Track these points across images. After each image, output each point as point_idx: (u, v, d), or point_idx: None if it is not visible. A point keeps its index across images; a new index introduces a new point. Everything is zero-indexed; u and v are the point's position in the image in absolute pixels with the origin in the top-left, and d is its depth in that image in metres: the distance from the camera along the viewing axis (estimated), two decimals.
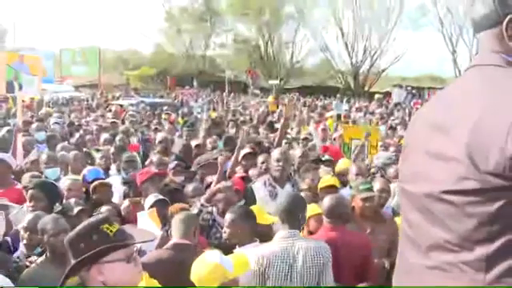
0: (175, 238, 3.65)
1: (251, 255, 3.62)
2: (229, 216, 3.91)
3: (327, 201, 4.13)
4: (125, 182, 5.79)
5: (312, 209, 4.35)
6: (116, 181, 5.88)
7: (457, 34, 42.87)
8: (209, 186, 5.38)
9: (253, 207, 4.55)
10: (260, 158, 6.55)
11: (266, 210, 4.78)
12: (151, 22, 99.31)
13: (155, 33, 55.64)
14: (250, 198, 5.20)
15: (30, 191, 4.39)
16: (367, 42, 46.04)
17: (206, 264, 3.06)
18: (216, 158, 6.41)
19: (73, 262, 2.11)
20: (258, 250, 3.69)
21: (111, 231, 2.11)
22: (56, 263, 3.39)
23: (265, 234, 4.20)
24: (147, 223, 4.41)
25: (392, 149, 7.77)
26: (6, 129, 8.99)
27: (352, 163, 6.51)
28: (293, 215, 3.76)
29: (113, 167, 7.00)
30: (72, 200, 4.66)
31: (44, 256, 3.60)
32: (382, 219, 4.66)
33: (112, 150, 7.46)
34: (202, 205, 4.47)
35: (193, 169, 6.64)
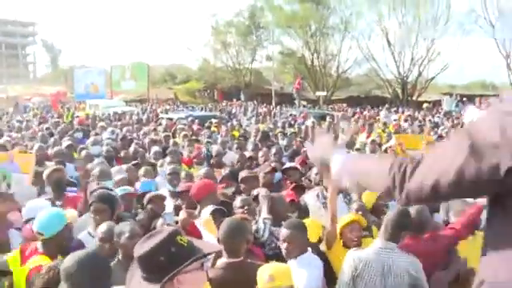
0: (225, 255, 3.64)
1: (348, 258, 3.76)
2: (285, 231, 3.90)
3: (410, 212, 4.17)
4: (173, 194, 5.87)
5: (347, 217, 4.42)
6: (165, 193, 6.03)
7: (511, 38, 41.23)
8: (256, 198, 5.43)
9: (309, 222, 4.59)
10: (314, 169, 6.61)
11: (318, 222, 4.83)
12: (197, 37, 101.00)
13: (201, 47, 56.40)
14: (303, 210, 5.22)
15: (94, 204, 4.55)
16: (414, 51, 45.32)
17: (280, 265, 3.17)
18: (255, 173, 6.51)
19: (144, 275, 2.14)
20: (354, 253, 3.81)
21: (185, 242, 2.16)
22: (127, 266, 3.49)
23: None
24: (202, 232, 4.50)
25: None
26: (66, 143, 9.34)
27: None
28: (394, 229, 3.85)
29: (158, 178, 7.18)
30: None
31: (116, 260, 3.75)
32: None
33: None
34: (265, 218, 4.51)
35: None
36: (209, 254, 2.26)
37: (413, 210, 4.22)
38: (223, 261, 3.60)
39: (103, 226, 4.05)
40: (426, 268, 4.01)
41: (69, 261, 2.92)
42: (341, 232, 4.39)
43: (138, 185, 6.27)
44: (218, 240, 3.71)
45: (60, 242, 3.85)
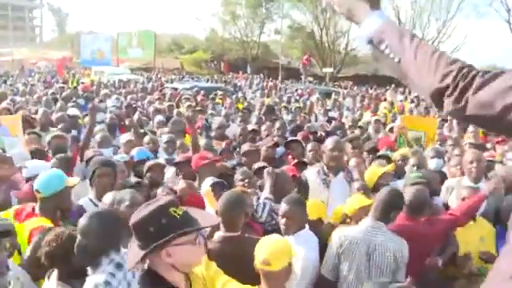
0: (222, 229, 3.62)
1: (334, 234, 3.76)
2: (285, 207, 3.88)
3: (409, 192, 4.14)
4: (172, 163, 5.83)
5: (360, 200, 4.35)
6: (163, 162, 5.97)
7: None
8: (257, 171, 5.42)
9: (310, 202, 4.58)
10: (308, 146, 6.60)
11: (319, 199, 4.81)
12: (206, 7, 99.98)
13: (210, 18, 55.97)
14: (303, 186, 5.21)
15: (98, 169, 4.53)
16: (425, 31, 44.76)
17: (276, 241, 3.08)
18: (257, 147, 6.49)
19: (138, 243, 2.16)
20: (341, 230, 3.81)
21: (178, 214, 2.14)
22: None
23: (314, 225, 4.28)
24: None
25: (449, 142, 7.49)
26: (71, 109, 9.31)
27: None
28: (385, 209, 3.80)
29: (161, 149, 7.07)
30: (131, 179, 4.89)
31: None
32: (432, 211, 4.49)
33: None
34: (266, 198, 4.49)
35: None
36: (203, 228, 2.23)
37: (412, 191, 4.19)
38: (220, 234, 3.58)
39: (109, 196, 4.02)
40: (421, 252, 3.99)
41: (87, 218, 2.98)
42: (354, 213, 4.30)
43: (133, 152, 6.25)
44: (217, 212, 3.71)
45: (57, 204, 3.86)
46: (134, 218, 2.18)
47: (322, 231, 4.29)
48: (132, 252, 2.23)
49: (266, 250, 2.99)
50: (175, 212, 2.14)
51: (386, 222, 3.81)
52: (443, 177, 5.68)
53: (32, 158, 5.23)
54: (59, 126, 7.81)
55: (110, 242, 2.90)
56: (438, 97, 1.37)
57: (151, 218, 2.12)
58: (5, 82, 21.12)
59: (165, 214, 2.12)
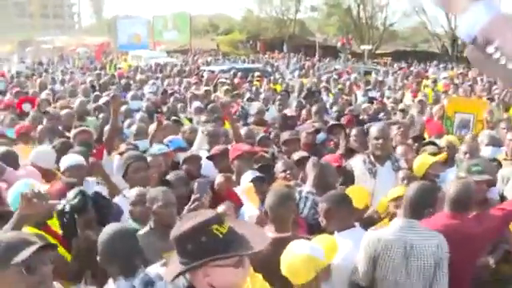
0: (272, 229, 3.43)
1: (365, 238, 3.45)
2: (323, 205, 3.65)
3: (454, 187, 3.75)
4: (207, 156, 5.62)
5: (398, 191, 4.08)
6: (203, 154, 5.65)
7: None
8: (298, 162, 5.19)
9: (353, 188, 4.36)
10: (353, 132, 6.32)
11: (365, 189, 4.56)
12: None
13: None
14: (348, 177, 4.97)
15: (133, 164, 4.42)
16: None
17: (297, 257, 2.86)
18: (297, 134, 6.21)
19: (181, 259, 1.99)
20: (372, 234, 3.48)
21: (221, 233, 1.94)
22: (159, 234, 3.42)
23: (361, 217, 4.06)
24: (244, 200, 4.36)
25: (503, 125, 6.90)
26: (104, 99, 9.22)
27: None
28: (417, 207, 3.47)
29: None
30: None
31: (148, 227, 3.62)
32: (488, 206, 4.14)
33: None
34: (308, 192, 4.28)
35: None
36: (249, 254, 2.02)
37: (456, 185, 3.76)
38: (271, 236, 3.29)
39: (134, 191, 3.92)
40: (471, 252, 3.65)
41: (104, 239, 2.90)
42: (388, 206, 4.08)
43: (167, 140, 6.01)
44: (266, 213, 3.56)
45: (30, 218, 3.30)
46: (175, 231, 2.01)
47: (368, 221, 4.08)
48: (172, 265, 2.08)
49: (284, 267, 2.85)
50: (218, 230, 1.93)
51: (420, 219, 3.47)
52: (499, 164, 5.27)
53: (57, 152, 5.09)
54: (100, 116, 7.77)
55: (128, 265, 2.82)
56: None
57: (190, 235, 1.94)
58: (46, 70, 21.37)
59: (206, 231, 1.92)
